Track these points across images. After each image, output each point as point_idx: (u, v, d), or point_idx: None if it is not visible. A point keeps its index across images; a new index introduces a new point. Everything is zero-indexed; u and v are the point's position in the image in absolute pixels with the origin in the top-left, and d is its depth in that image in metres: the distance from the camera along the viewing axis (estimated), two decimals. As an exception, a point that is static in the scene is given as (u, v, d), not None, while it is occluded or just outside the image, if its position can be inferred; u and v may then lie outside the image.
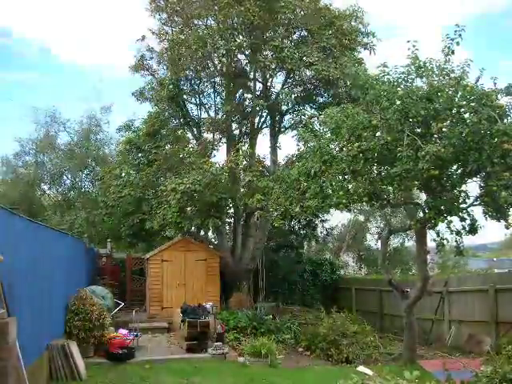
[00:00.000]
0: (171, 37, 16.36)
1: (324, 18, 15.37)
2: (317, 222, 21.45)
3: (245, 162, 14.78)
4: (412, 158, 8.01)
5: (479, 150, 7.96)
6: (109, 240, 17.51)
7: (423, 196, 9.70)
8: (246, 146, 16.92)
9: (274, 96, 16.39)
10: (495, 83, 8.64)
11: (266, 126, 17.38)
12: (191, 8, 15.68)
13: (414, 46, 9.24)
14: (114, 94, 59.63)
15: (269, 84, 16.72)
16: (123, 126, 18.49)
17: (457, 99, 8.59)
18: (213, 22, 15.79)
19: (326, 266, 19.27)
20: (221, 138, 17.18)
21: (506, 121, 8.19)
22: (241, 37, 15.63)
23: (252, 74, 16.53)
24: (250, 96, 16.87)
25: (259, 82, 16.69)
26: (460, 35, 8.86)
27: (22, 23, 61.47)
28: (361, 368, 6.70)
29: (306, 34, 15.98)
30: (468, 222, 8.69)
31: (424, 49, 9.35)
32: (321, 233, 22.98)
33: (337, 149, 9.52)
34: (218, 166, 14.51)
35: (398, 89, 8.93)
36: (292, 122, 17.32)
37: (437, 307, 13.09)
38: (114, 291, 15.19)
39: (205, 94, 17.63)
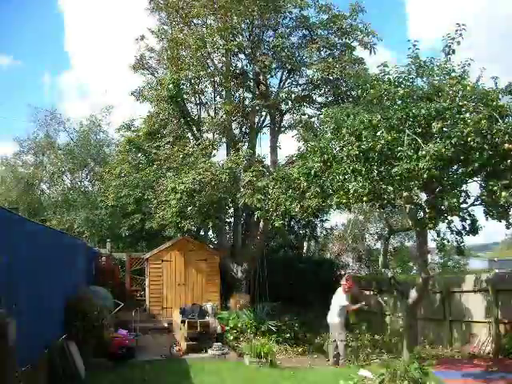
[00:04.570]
0: (171, 36, 16.35)
1: (324, 17, 15.39)
2: (316, 222, 21.43)
3: (245, 162, 14.76)
4: (412, 157, 7.98)
5: (480, 149, 7.92)
6: (109, 240, 17.48)
7: (423, 196, 9.65)
8: (246, 145, 16.91)
9: (273, 95, 16.37)
10: (496, 82, 8.62)
11: (266, 126, 17.36)
12: (190, 7, 15.67)
13: (414, 46, 9.23)
14: (114, 93, 59.53)
15: (269, 84, 16.71)
16: (123, 125, 18.48)
17: (457, 99, 8.56)
18: (212, 22, 15.78)
19: (326, 265, 19.23)
20: (221, 138, 17.16)
21: (506, 120, 8.16)
22: (240, 36, 15.62)
23: (252, 73, 16.51)
24: (250, 96, 16.86)
25: (259, 81, 16.67)
26: (461, 34, 8.84)
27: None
28: (361, 371, 6.72)
29: (306, 33, 15.97)
30: (468, 222, 8.66)
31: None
32: (320, 233, 22.95)
33: (337, 148, 9.49)
34: (218, 165, 14.49)
35: (399, 88, 8.92)
36: (292, 121, 17.29)
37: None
38: (114, 291, 15.15)
39: (205, 93, 17.62)
